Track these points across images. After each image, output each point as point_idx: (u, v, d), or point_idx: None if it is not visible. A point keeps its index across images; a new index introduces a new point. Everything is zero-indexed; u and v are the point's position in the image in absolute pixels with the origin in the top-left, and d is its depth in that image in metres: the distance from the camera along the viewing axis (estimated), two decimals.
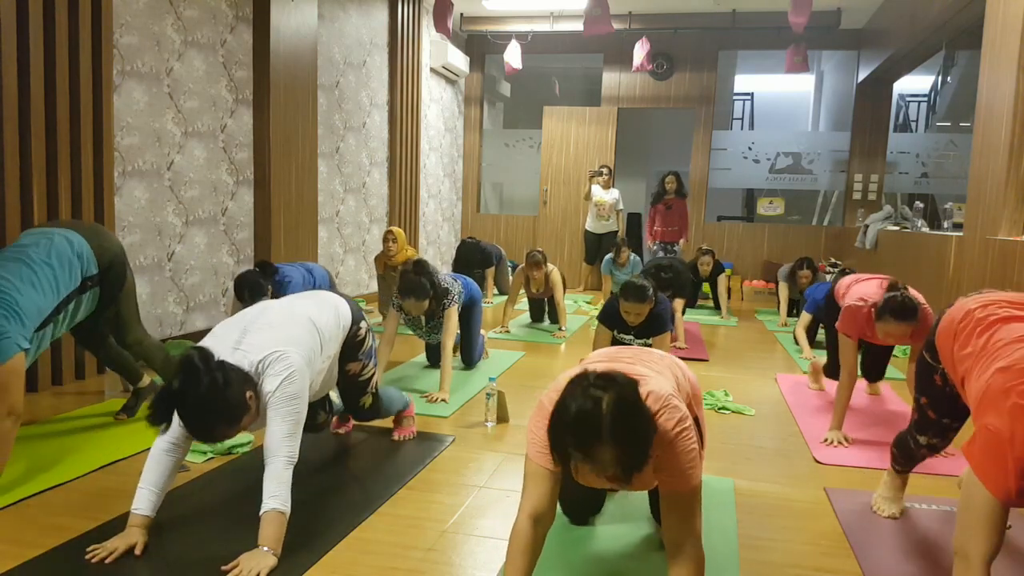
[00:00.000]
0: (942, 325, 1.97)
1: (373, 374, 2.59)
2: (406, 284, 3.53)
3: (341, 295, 2.51)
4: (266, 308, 2.16)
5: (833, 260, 7.56)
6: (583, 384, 1.43)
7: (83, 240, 2.71)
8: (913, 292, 3.02)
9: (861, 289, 3.22)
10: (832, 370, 3.62)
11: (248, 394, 1.87)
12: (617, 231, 7.85)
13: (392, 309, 3.67)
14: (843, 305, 3.25)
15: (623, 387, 1.43)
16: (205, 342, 1.98)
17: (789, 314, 6.14)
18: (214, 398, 1.78)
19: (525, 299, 5.90)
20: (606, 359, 1.88)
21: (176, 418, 1.82)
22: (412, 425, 2.95)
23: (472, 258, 7.01)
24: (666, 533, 1.60)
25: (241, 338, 1.99)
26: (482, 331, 4.42)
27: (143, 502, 1.92)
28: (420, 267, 3.63)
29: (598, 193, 7.81)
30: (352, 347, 2.43)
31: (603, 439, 1.37)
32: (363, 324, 2.48)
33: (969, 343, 1.78)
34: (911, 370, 3.02)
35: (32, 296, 2.42)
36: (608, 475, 1.41)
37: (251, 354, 1.94)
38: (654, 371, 1.78)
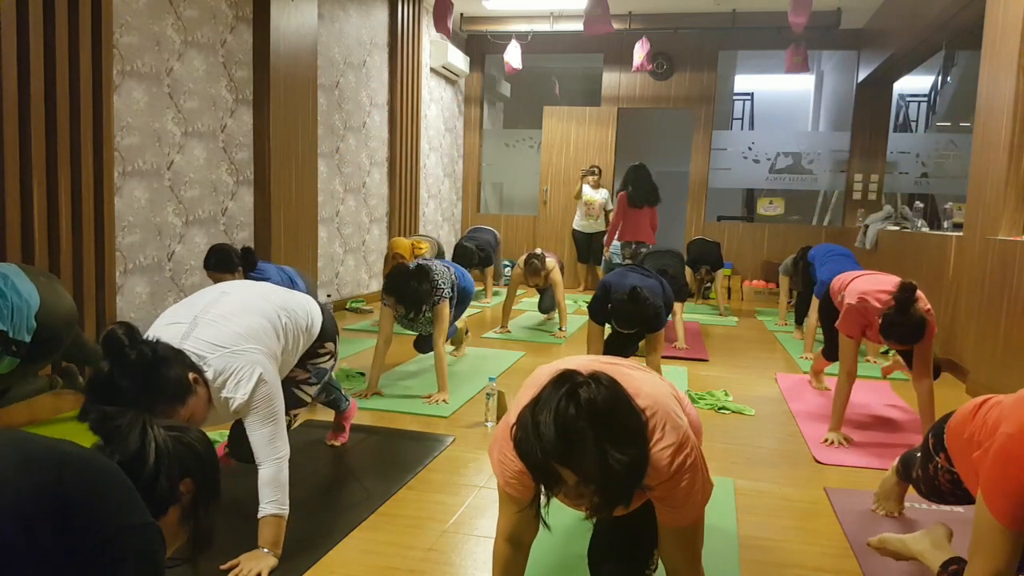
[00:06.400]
0: (952, 429, 1.75)
1: (307, 404, 2.36)
2: (392, 284, 3.45)
3: (323, 309, 2.36)
4: (222, 295, 1.99)
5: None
6: (560, 386, 1.20)
7: (36, 305, 2.52)
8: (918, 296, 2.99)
9: (860, 285, 3.12)
10: (830, 352, 3.61)
11: (191, 376, 1.68)
12: (606, 231, 7.89)
13: (383, 305, 3.59)
14: (840, 301, 3.25)
15: (609, 386, 1.20)
16: (150, 334, 1.80)
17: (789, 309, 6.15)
18: (147, 373, 1.58)
19: (524, 299, 5.90)
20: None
21: None
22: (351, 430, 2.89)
23: (471, 261, 7.01)
24: (666, 558, 1.49)
25: (190, 331, 1.83)
26: (457, 323, 4.34)
27: None
28: (413, 273, 3.50)
29: (588, 192, 7.89)
30: (306, 355, 2.26)
31: (581, 451, 1.15)
32: (329, 344, 2.33)
33: (978, 449, 1.59)
34: (917, 368, 2.96)
35: None
36: (587, 497, 1.20)
37: (201, 351, 1.79)
38: (654, 381, 1.55)
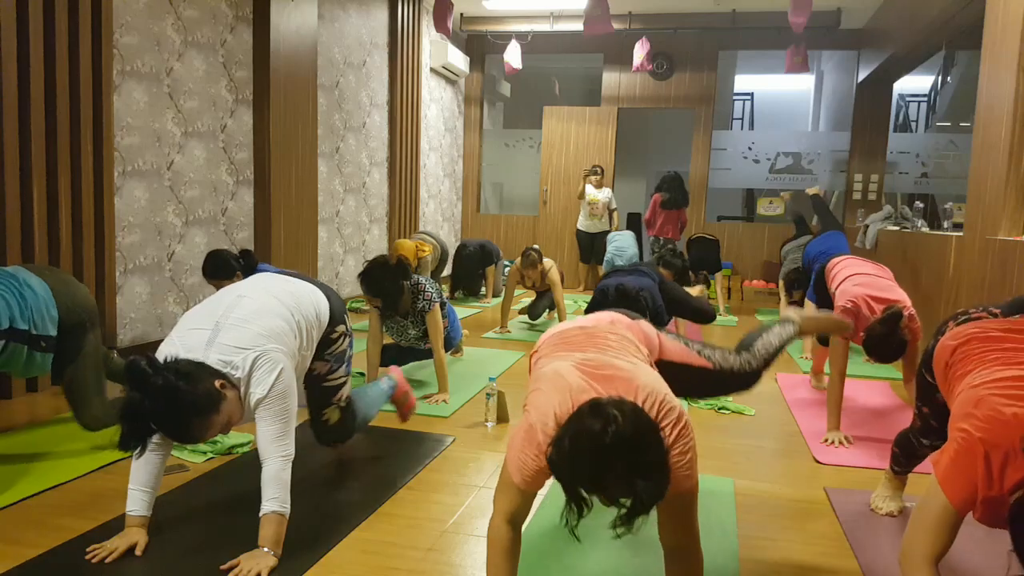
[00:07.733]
0: (937, 354, 1.88)
1: (343, 383, 2.39)
2: (365, 272, 3.32)
3: (327, 291, 2.37)
4: (240, 299, 2.03)
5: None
6: (592, 418, 1.33)
7: (50, 297, 2.46)
8: (899, 297, 3.08)
9: (853, 289, 3.22)
10: (823, 337, 3.70)
11: (218, 383, 1.78)
12: (609, 231, 7.92)
13: (371, 307, 3.54)
14: (834, 292, 3.36)
15: (634, 417, 1.33)
16: (174, 339, 1.90)
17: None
18: (175, 395, 1.67)
19: (524, 299, 5.89)
20: (585, 343, 1.81)
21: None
22: (412, 398, 2.94)
23: (472, 262, 7.05)
24: (664, 536, 1.56)
25: (214, 336, 1.88)
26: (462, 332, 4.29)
27: (136, 503, 1.92)
28: (390, 267, 3.37)
29: (591, 192, 7.90)
30: (321, 345, 2.27)
31: (618, 474, 1.28)
32: (340, 327, 2.34)
33: (957, 375, 1.73)
34: (907, 375, 3.07)
35: None
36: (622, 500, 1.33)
37: (227, 355, 1.85)
38: (634, 360, 1.68)
